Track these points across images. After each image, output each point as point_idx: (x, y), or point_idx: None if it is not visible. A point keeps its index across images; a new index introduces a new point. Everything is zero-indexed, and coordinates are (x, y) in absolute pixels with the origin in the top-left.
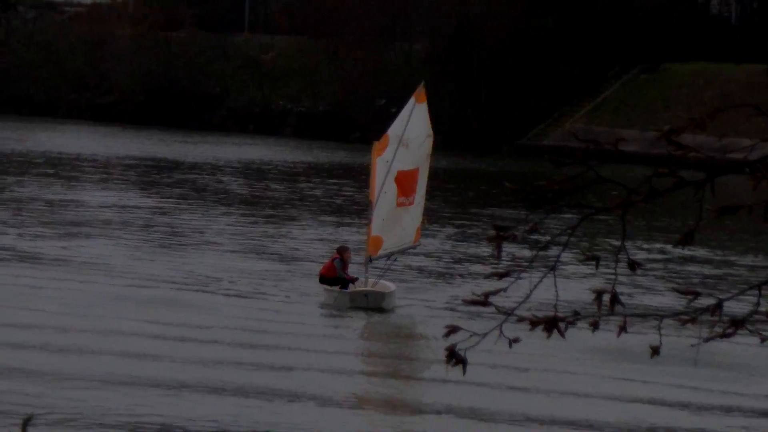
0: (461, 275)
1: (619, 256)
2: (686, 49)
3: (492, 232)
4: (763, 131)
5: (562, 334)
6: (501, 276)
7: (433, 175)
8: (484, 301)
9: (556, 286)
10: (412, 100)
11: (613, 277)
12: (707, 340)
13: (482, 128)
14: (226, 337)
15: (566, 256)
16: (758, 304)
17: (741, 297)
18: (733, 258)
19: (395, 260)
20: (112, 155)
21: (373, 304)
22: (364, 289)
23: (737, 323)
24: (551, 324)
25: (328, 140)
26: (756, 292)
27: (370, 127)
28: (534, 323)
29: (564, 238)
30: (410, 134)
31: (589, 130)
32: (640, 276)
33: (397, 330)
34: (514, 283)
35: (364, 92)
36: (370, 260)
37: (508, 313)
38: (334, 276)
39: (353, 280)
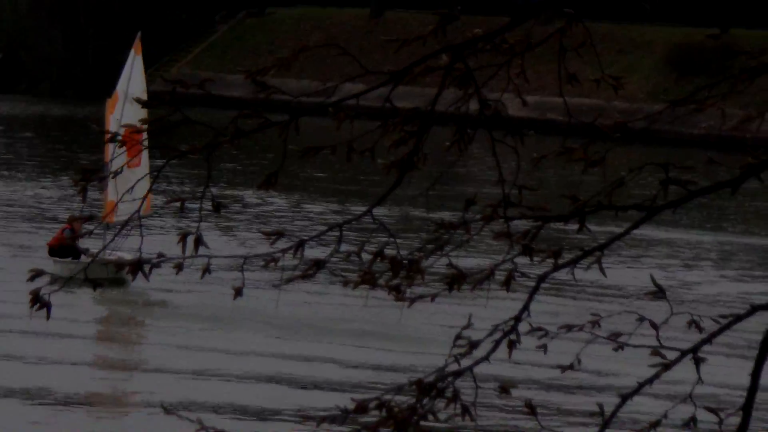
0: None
1: (204, 198)
2: None
3: (77, 176)
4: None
5: (146, 276)
6: (85, 220)
7: (24, 122)
8: (71, 242)
9: (142, 230)
10: (132, 53)
11: (198, 219)
12: (288, 281)
13: (88, 75)
14: None
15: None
16: (340, 243)
17: (323, 238)
18: (318, 201)
19: (134, 228)
20: None
21: (113, 274)
22: (103, 258)
23: (319, 264)
24: (136, 267)
25: None
26: (338, 232)
27: None
28: (119, 266)
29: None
30: (132, 89)
31: (196, 75)
32: (225, 219)
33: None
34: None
35: None
36: (107, 227)
37: (93, 257)
38: (65, 247)
39: (84, 251)
